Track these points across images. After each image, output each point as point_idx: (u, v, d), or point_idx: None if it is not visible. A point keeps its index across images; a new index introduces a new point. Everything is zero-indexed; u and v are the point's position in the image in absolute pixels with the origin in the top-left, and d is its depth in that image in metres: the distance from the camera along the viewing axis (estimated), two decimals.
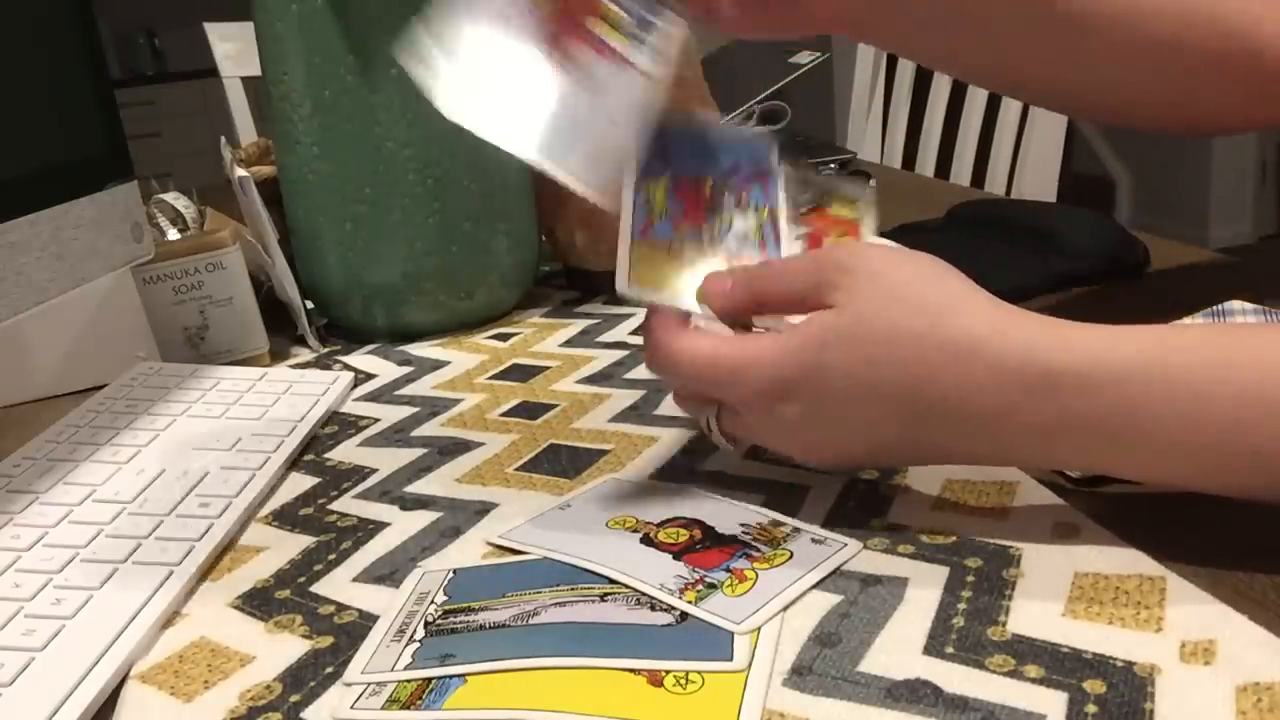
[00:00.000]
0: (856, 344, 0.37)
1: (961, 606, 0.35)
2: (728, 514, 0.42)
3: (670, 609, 0.36)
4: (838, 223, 0.46)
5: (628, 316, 0.71)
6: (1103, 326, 0.36)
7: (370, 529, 0.44)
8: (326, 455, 0.53)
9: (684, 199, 0.44)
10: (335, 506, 0.47)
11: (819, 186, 0.47)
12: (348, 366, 0.66)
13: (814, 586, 0.36)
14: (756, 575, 0.37)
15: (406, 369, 0.65)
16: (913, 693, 0.31)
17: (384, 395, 0.61)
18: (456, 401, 0.58)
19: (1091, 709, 0.29)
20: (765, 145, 0.46)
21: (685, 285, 0.42)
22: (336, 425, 0.57)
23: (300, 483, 0.50)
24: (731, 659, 0.33)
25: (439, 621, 0.36)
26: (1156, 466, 0.36)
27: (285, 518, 0.47)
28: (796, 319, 0.39)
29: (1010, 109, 1.34)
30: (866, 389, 0.37)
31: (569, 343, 0.67)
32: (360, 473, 0.50)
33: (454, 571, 0.40)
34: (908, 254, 0.38)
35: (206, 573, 0.42)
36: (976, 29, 0.53)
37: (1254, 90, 0.52)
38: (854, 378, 0.37)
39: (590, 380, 0.60)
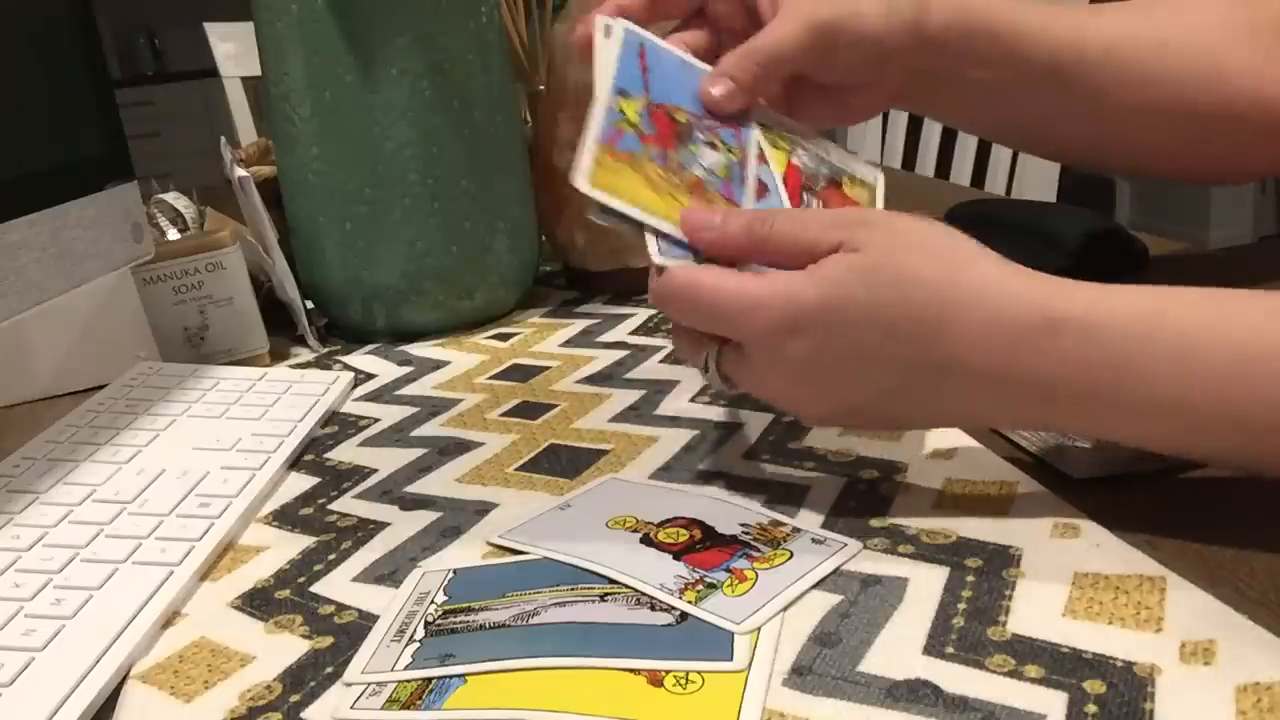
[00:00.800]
0: (875, 286, 0.37)
1: (961, 606, 0.35)
2: (728, 514, 0.42)
3: (670, 609, 0.36)
4: (850, 204, 0.47)
5: (628, 316, 0.71)
6: (1106, 285, 0.37)
7: (370, 529, 0.44)
8: (326, 455, 0.53)
9: (656, 123, 0.44)
10: (335, 506, 0.47)
11: (834, 164, 0.48)
12: (348, 366, 0.66)
13: (814, 586, 0.36)
14: (756, 575, 0.37)
15: (406, 369, 0.65)
16: (913, 693, 0.31)
17: (384, 395, 0.61)
18: (456, 401, 0.58)
19: (1091, 709, 0.29)
20: None
21: (646, 201, 0.41)
22: (336, 425, 0.57)
23: (300, 483, 0.50)
24: (731, 659, 0.33)
25: (439, 621, 0.36)
26: (1148, 425, 0.36)
27: (285, 518, 0.47)
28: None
29: None
30: (880, 331, 0.37)
31: (569, 343, 0.67)
32: (360, 473, 0.50)
33: (454, 571, 0.40)
34: (923, 218, 0.39)
35: (206, 573, 0.42)
36: (1005, 98, 0.55)
37: (1262, 142, 0.54)
38: (869, 319, 0.37)
39: (590, 380, 0.60)
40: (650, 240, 0.41)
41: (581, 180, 0.40)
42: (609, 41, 0.45)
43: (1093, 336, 0.35)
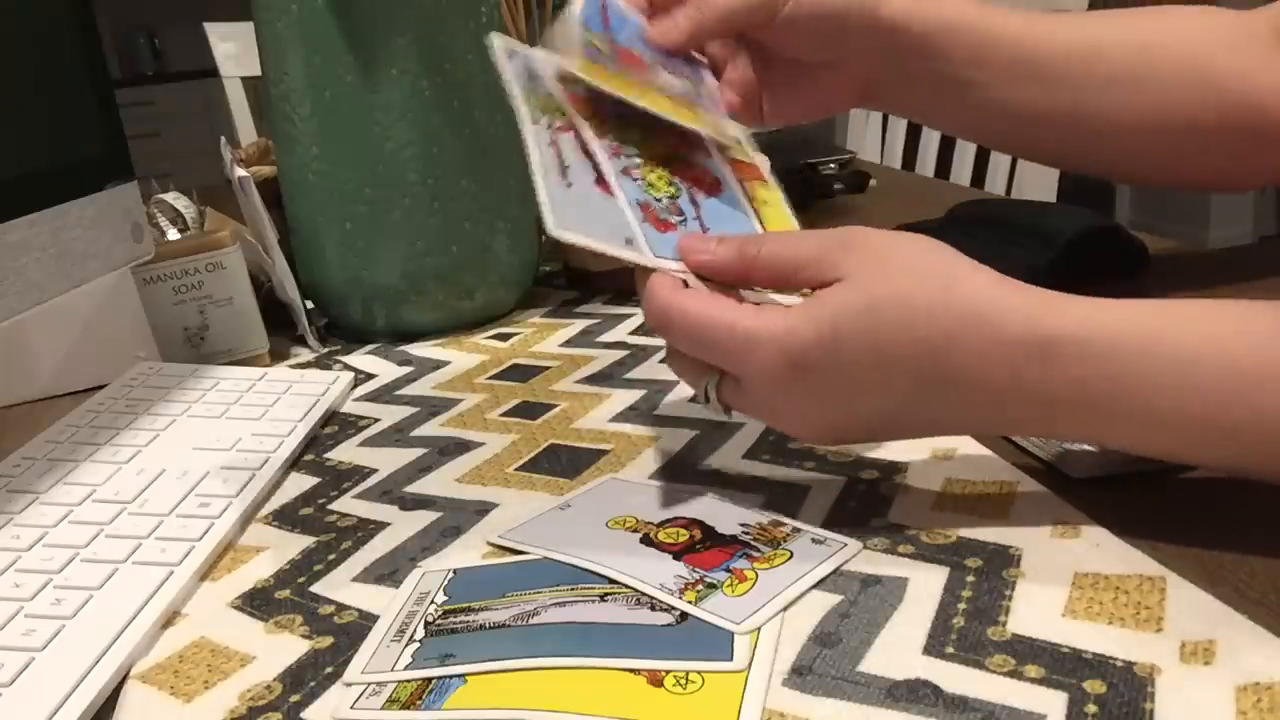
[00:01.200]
0: (872, 316, 0.36)
1: (961, 606, 0.35)
2: (728, 514, 0.42)
3: (670, 609, 0.36)
4: (739, 165, 0.48)
5: (628, 316, 0.71)
6: (1101, 299, 0.36)
7: (370, 529, 0.44)
8: (326, 455, 0.53)
9: (621, 56, 0.47)
10: (335, 506, 0.47)
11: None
12: (348, 366, 0.66)
13: (814, 586, 0.36)
14: (756, 575, 0.37)
15: (406, 369, 0.65)
16: (913, 693, 0.31)
17: (384, 395, 0.61)
18: (456, 401, 0.58)
19: (1091, 709, 0.29)
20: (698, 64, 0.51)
21: (629, 91, 0.44)
22: (336, 425, 0.57)
23: (300, 483, 0.50)
24: (731, 659, 0.33)
25: (439, 621, 0.36)
26: (1146, 436, 0.36)
27: (285, 518, 0.47)
28: (785, 298, 0.39)
29: None
30: (881, 361, 0.37)
31: (569, 343, 0.67)
32: (360, 473, 0.50)
33: (454, 571, 0.40)
34: (903, 234, 0.39)
35: (206, 573, 0.42)
36: (980, 98, 0.55)
37: (1260, 148, 0.54)
38: (870, 350, 0.37)
39: (590, 380, 0.60)
40: (643, 244, 0.41)
41: (571, 65, 0.43)
42: None
43: (1089, 352, 0.35)
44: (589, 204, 0.41)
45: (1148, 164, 0.58)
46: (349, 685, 0.34)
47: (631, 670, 0.33)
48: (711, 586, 0.36)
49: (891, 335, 0.36)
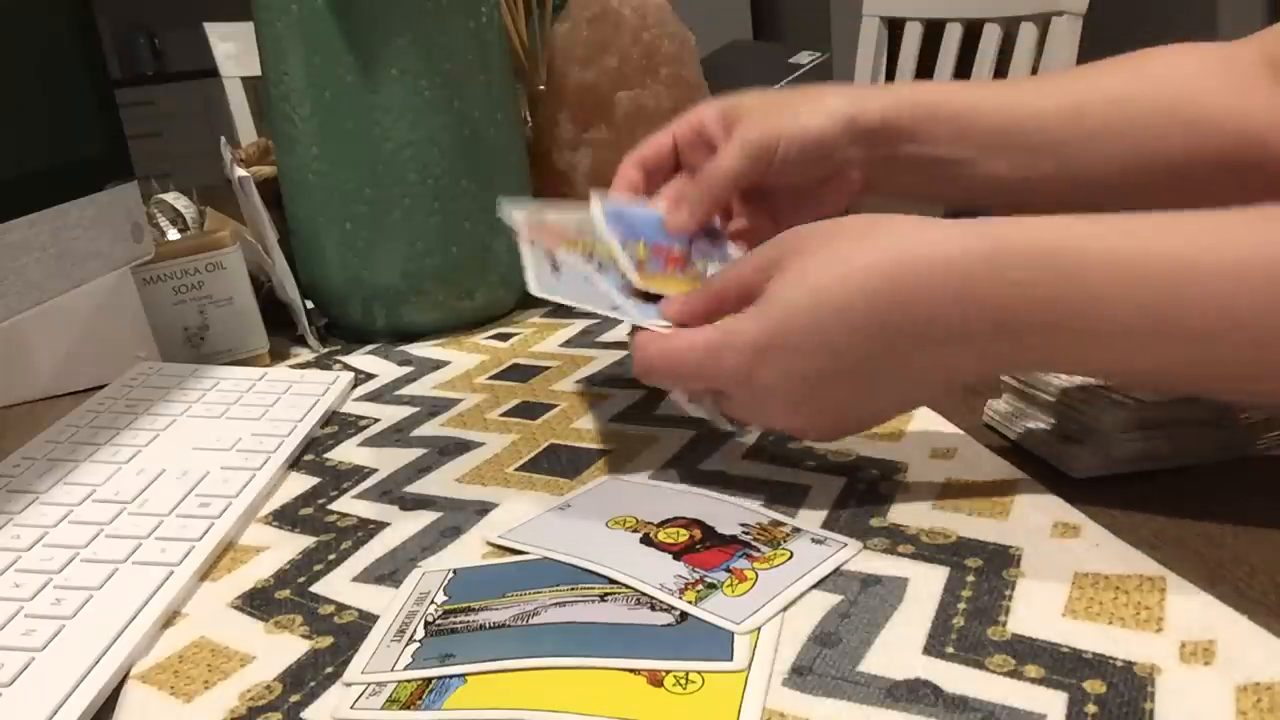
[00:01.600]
0: (816, 285, 0.38)
1: (961, 606, 0.35)
2: (728, 514, 0.42)
3: (670, 609, 0.36)
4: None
5: None
6: (1076, 216, 0.38)
7: (370, 529, 0.44)
8: (326, 455, 0.53)
9: (659, 256, 0.50)
10: (335, 506, 0.47)
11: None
12: (348, 366, 0.66)
13: (814, 586, 0.36)
14: (756, 575, 0.37)
15: (406, 369, 0.65)
16: (913, 693, 0.31)
17: (384, 395, 0.61)
18: (456, 401, 0.58)
19: (1091, 709, 0.29)
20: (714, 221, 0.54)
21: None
22: (336, 425, 0.57)
23: (300, 483, 0.50)
24: (731, 659, 0.33)
25: (439, 621, 0.36)
26: (1117, 358, 0.37)
27: (285, 518, 0.47)
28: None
29: None
30: (847, 329, 0.38)
31: (569, 343, 0.67)
32: (360, 473, 0.50)
33: (454, 571, 0.40)
34: (836, 220, 0.41)
35: (206, 573, 0.42)
36: (967, 173, 0.56)
37: (1260, 181, 0.54)
38: (820, 320, 0.38)
39: (590, 380, 0.60)
40: (630, 310, 0.45)
41: (635, 279, 0.47)
42: (598, 212, 0.51)
43: (1036, 262, 0.36)
44: (575, 283, 0.47)
45: (1148, 208, 0.59)
46: (349, 685, 0.34)
47: (631, 670, 0.33)
48: (711, 586, 0.36)
49: (845, 303, 0.38)
